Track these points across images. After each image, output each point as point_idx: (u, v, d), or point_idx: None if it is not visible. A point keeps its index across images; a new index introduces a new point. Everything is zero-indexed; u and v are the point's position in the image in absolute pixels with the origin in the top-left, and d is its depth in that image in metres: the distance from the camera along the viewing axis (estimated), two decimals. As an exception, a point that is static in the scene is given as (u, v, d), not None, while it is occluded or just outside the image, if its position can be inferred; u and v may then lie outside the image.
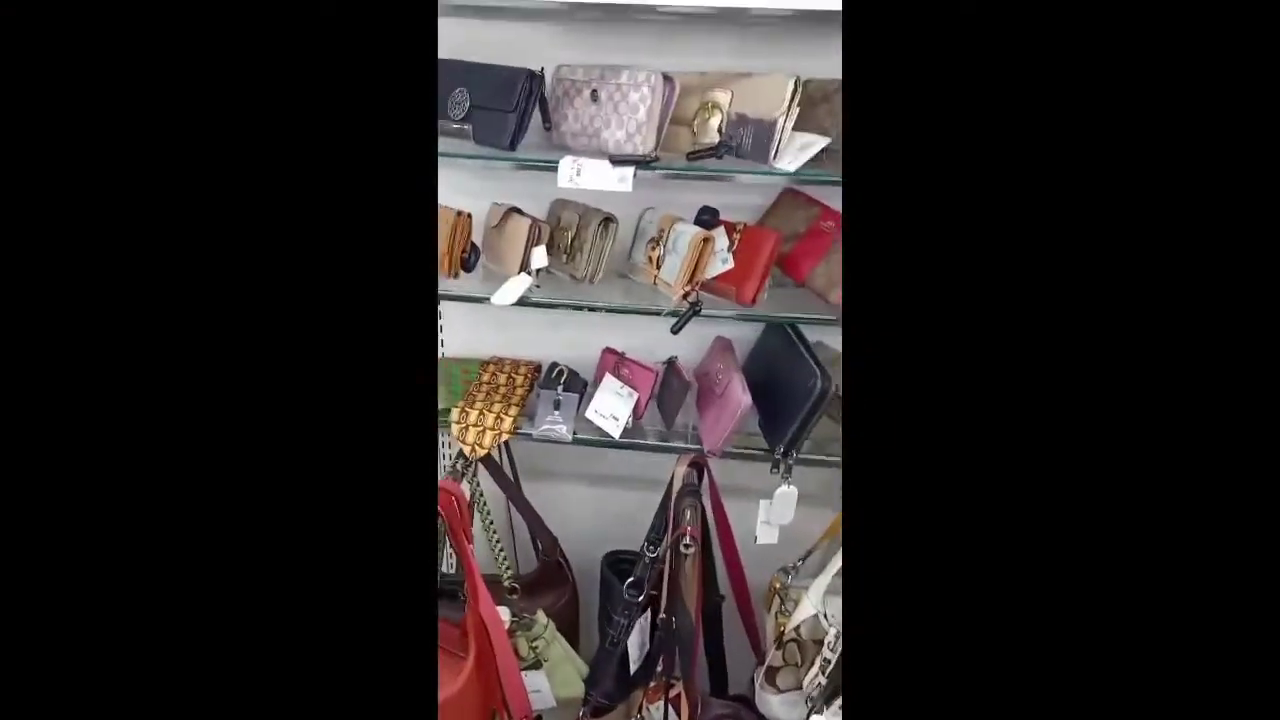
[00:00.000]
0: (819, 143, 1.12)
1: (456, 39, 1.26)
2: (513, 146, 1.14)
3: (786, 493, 1.31)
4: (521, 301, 1.23)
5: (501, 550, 1.41)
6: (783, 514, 1.33)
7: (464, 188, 1.36)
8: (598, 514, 1.60)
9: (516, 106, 1.13)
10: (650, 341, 1.40)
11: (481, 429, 1.30)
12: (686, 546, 1.21)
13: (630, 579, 1.35)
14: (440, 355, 1.53)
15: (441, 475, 1.42)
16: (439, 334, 1.52)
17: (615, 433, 1.30)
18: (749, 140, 1.13)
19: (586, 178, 1.11)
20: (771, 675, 1.36)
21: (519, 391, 1.39)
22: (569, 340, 1.47)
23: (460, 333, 1.52)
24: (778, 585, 1.45)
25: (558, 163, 1.14)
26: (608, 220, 1.26)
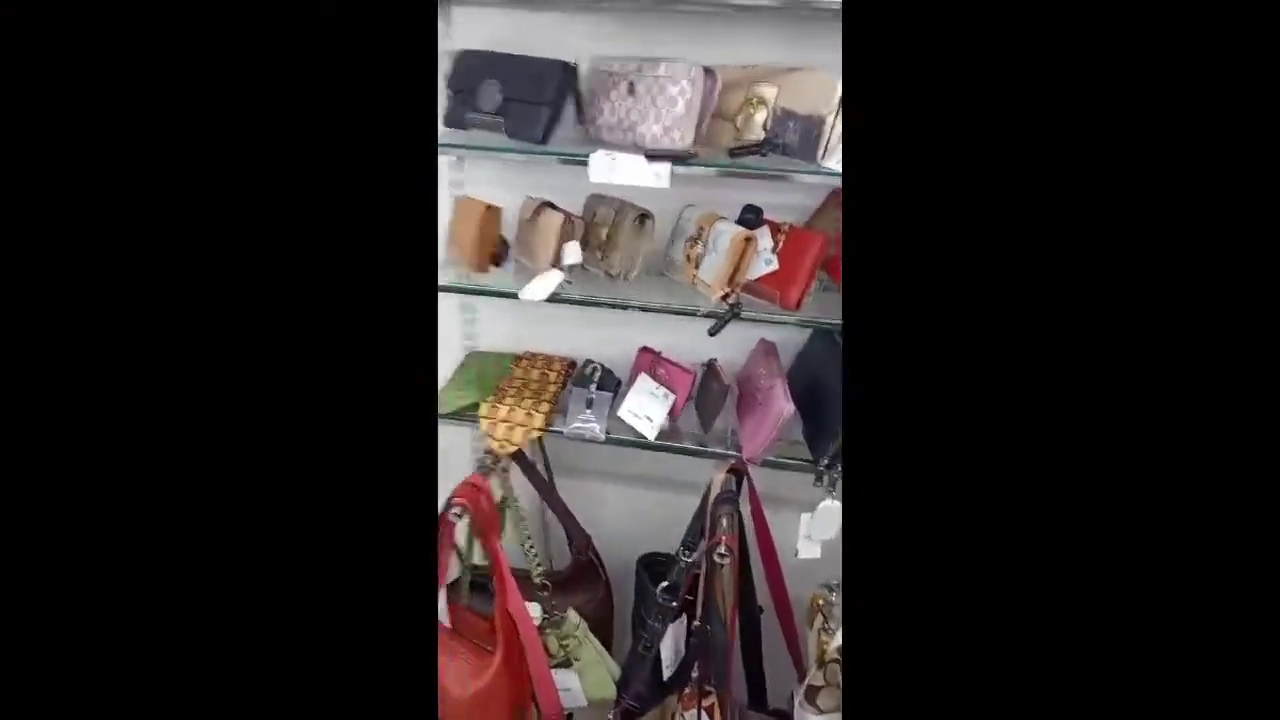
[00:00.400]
0: (872, 137, 1.04)
1: (502, 30, 1.22)
2: (545, 140, 1.10)
3: (830, 507, 1.25)
4: (552, 298, 1.20)
5: (532, 547, 1.40)
6: (826, 529, 1.27)
7: (498, 180, 1.33)
8: (634, 514, 1.57)
9: (550, 99, 1.08)
10: (690, 342, 1.35)
11: (511, 425, 1.28)
12: (721, 556, 1.17)
13: (664, 582, 1.32)
14: (473, 349, 1.52)
15: (472, 470, 1.41)
16: (473, 327, 1.51)
17: (649, 434, 1.27)
18: (796, 137, 1.06)
19: (621, 172, 1.06)
20: (812, 694, 1.31)
21: (551, 388, 1.36)
22: (605, 337, 1.43)
23: (495, 326, 1.51)
24: (820, 602, 1.39)
25: (575, 155, 1.10)
26: (643, 216, 1.21)
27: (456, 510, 1.19)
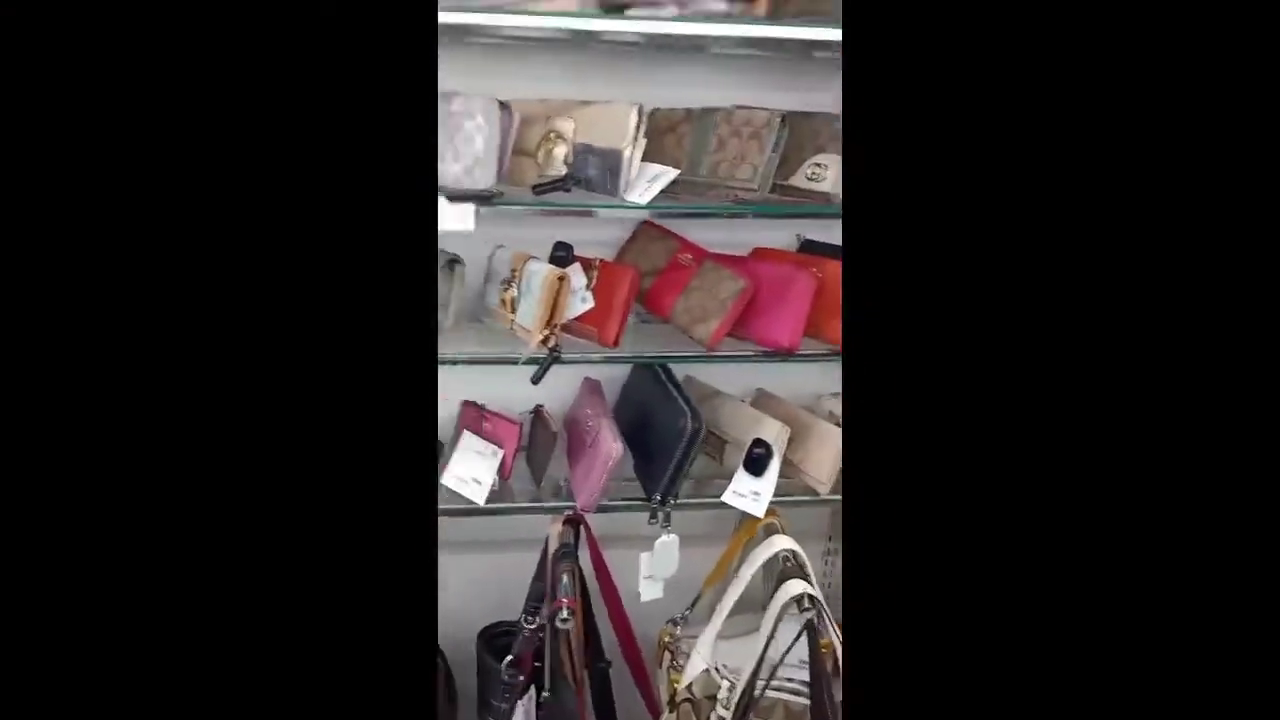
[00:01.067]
0: (669, 174, 1.08)
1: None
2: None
3: (667, 542, 1.24)
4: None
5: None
6: (666, 565, 1.25)
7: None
8: (469, 584, 1.44)
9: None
10: (512, 389, 1.29)
11: (317, 509, 1.12)
12: (564, 621, 1.10)
13: (508, 657, 1.22)
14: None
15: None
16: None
17: (479, 498, 1.17)
18: (596, 172, 1.07)
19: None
20: (668, 739, 1.26)
21: (363, 459, 1.22)
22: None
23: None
24: (667, 639, 1.36)
25: None
26: (453, 262, 1.14)
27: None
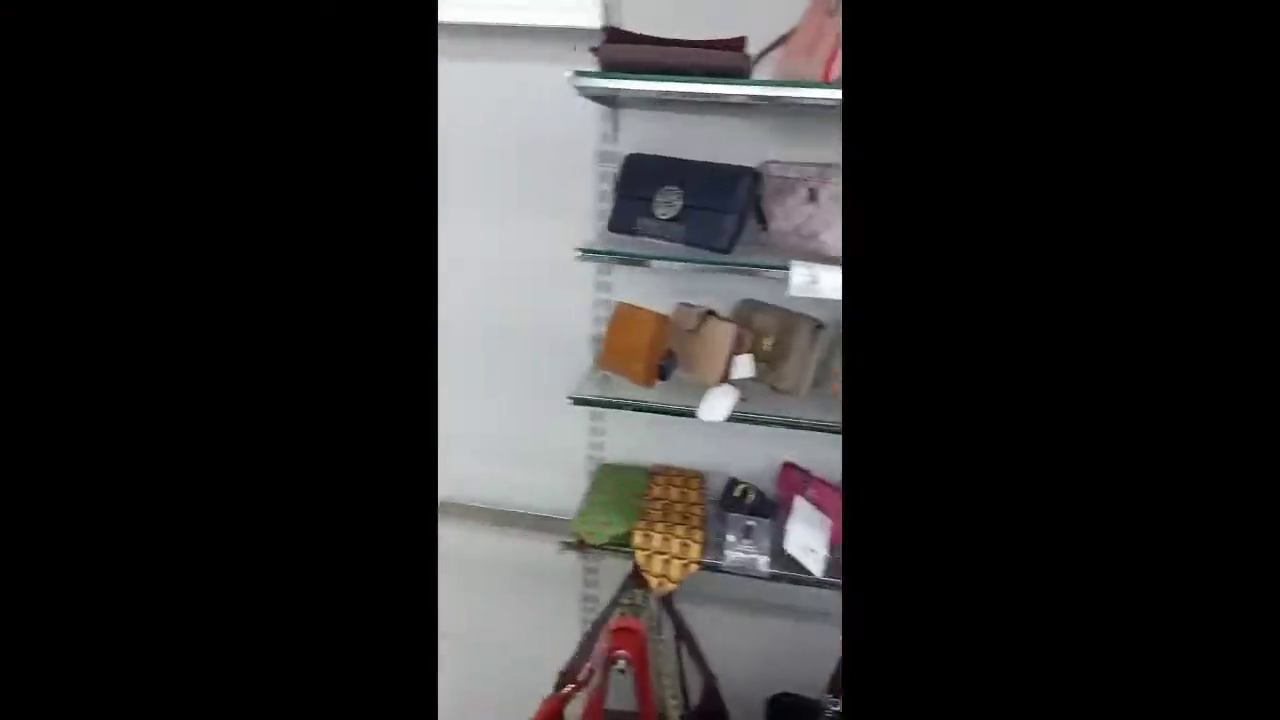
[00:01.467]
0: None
1: (660, 133, 1.19)
2: (729, 248, 1.04)
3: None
4: (731, 417, 1.09)
5: (669, 686, 1.24)
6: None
7: (641, 284, 1.26)
8: (755, 646, 1.41)
9: (738, 207, 1.03)
10: (820, 452, 1.26)
11: (668, 558, 1.15)
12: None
13: (811, 735, 1.17)
14: (600, 460, 1.40)
15: (583, 595, 1.26)
16: (601, 437, 1.39)
17: (817, 569, 1.14)
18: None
19: (824, 286, 0.99)
20: None
21: (695, 510, 1.24)
22: (734, 448, 1.33)
23: (617, 438, 1.39)
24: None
25: (771, 265, 1.04)
26: (818, 327, 1.14)
27: (620, 666, 1.04)
